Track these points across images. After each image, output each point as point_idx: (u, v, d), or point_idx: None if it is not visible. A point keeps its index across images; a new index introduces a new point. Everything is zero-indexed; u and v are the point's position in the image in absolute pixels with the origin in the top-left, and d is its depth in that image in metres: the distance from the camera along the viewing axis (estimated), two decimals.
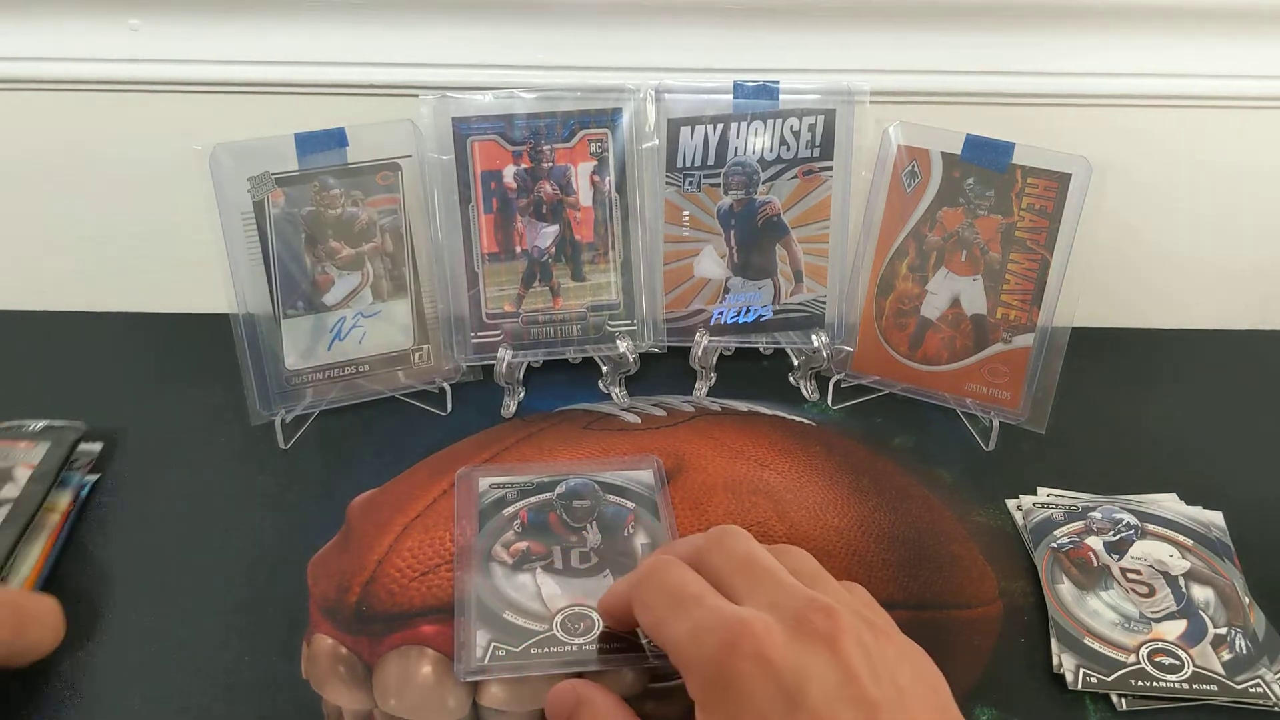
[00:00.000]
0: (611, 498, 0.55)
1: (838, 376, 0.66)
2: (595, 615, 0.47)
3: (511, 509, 0.54)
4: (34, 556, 0.53)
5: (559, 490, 0.55)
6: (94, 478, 0.59)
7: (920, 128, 0.61)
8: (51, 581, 0.53)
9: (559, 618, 0.47)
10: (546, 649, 0.46)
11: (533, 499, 0.54)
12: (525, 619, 0.47)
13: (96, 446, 0.60)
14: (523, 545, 0.51)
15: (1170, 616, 0.52)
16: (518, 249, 0.63)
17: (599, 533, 0.52)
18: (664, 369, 0.67)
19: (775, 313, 0.66)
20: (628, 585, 0.42)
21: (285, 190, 0.59)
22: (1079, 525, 0.57)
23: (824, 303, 0.66)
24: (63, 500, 0.56)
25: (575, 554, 0.51)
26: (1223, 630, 0.51)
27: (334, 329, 0.62)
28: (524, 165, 0.62)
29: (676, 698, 0.45)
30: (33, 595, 0.49)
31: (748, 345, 0.68)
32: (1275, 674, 0.49)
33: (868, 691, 0.34)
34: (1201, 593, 0.54)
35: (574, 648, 0.46)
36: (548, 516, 0.53)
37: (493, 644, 0.46)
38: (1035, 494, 0.60)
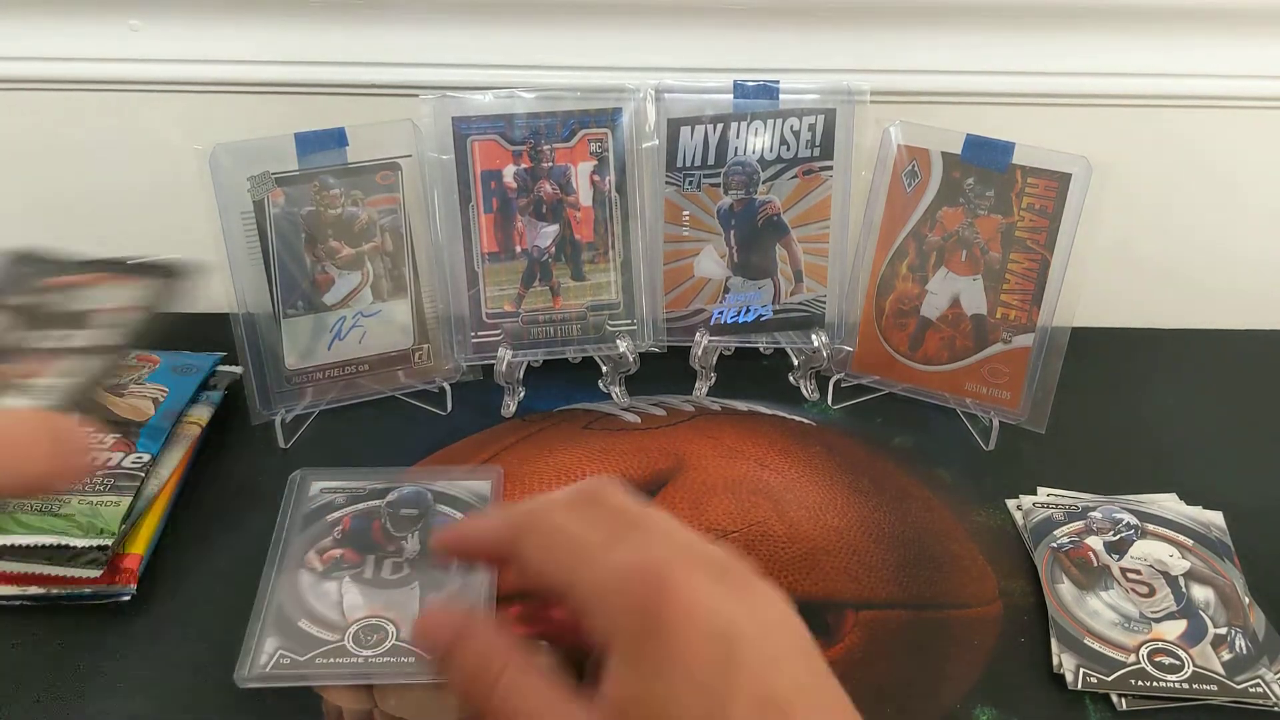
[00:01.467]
0: (442, 508, 0.54)
1: (838, 376, 0.66)
2: (390, 627, 0.47)
3: (336, 515, 0.54)
4: (174, 462, 0.57)
5: (389, 498, 0.54)
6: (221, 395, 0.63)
7: (920, 128, 0.61)
8: (188, 485, 0.57)
9: (353, 628, 0.48)
10: (333, 659, 0.46)
11: (360, 505, 0.54)
12: (319, 628, 0.48)
13: (237, 369, 0.63)
14: (337, 553, 0.51)
15: (1170, 616, 0.52)
16: (518, 249, 0.63)
17: (419, 543, 0.52)
18: (664, 369, 0.67)
19: (775, 312, 0.66)
20: (509, 530, 0.36)
21: (285, 190, 0.59)
22: (1079, 525, 0.57)
23: (824, 302, 0.66)
24: (204, 414, 0.61)
25: (388, 564, 0.51)
26: (1223, 630, 0.51)
27: (334, 328, 0.61)
28: (524, 165, 0.62)
29: None
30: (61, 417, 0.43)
31: (748, 345, 0.68)
32: (1275, 674, 0.49)
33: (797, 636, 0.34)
34: (1201, 593, 0.53)
35: (361, 660, 0.46)
36: (371, 524, 0.53)
37: (279, 651, 0.46)
38: (1035, 494, 0.60)
